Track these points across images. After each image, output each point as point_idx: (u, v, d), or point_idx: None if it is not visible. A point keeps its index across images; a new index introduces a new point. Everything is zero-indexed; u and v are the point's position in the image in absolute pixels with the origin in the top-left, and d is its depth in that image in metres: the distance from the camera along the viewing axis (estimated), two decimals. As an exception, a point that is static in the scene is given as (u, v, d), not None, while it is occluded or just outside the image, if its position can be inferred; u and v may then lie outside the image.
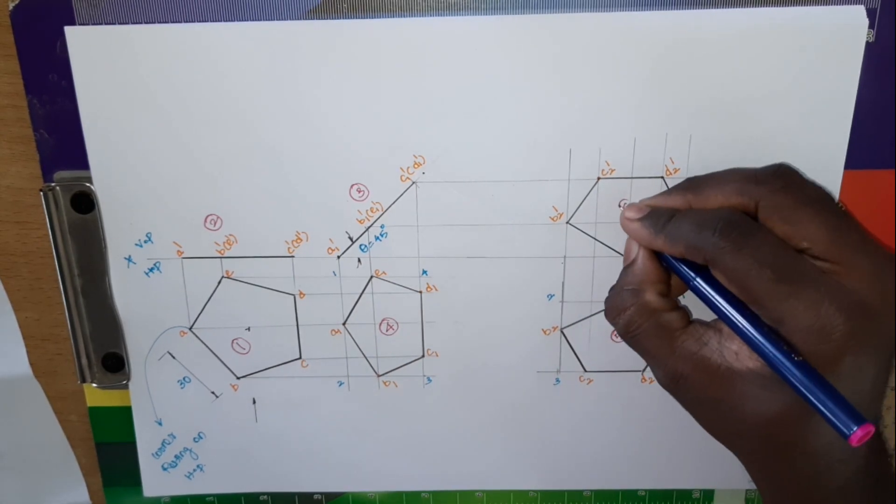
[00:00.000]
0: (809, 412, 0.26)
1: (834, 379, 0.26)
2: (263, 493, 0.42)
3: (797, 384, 0.26)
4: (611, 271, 0.36)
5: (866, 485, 0.28)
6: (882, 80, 0.32)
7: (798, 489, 0.29)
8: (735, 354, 0.28)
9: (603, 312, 0.32)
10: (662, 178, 0.34)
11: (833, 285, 0.26)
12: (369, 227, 0.36)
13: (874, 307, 0.26)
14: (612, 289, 0.31)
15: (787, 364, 0.26)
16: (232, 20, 0.32)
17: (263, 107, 0.33)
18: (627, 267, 0.31)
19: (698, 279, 0.29)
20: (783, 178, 0.28)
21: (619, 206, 0.35)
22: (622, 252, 0.36)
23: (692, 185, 0.30)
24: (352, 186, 0.35)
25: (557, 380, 0.39)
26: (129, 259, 0.36)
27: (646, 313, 0.30)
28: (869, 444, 0.28)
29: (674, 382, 0.29)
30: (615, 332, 0.37)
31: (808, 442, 0.27)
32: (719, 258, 0.27)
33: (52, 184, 0.35)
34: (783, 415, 0.27)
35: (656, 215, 0.30)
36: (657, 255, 0.30)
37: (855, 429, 0.24)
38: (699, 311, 0.31)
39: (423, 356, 0.38)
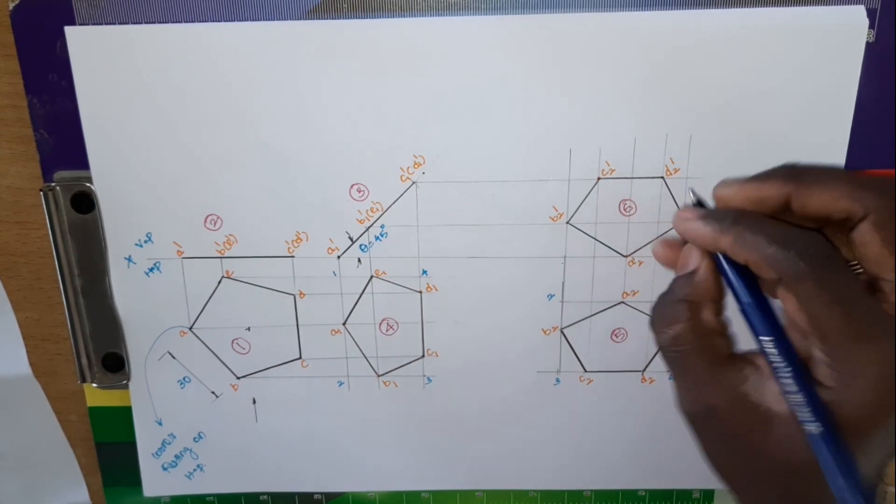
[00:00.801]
0: None
1: (866, 439, 0.24)
2: (263, 493, 0.42)
3: (820, 450, 0.24)
4: (611, 271, 0.36)
5: None
6: (882, 80, 0.32)
7: None
8: (776, 395, 0.26)
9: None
10: (662, 178, 0.34)
11: None
12: (369, 227, 0.36)
13: None
14: (664, 296, 0.28)
15: (815, 423, 0.24)
16: (232, 20, 0.32)
17: (263, 107, 0.33)
18: (686, 276, 0.28)
19: (751, 303, 0.26)
20: None
21: (619, 207, 0.34)
22: (622, 252, 0.36)
23: (794, 174, 0.27)
24: (352, 186, 0.35)
25: (557, 380, 0.39)
26: (129, 259, 0.36)
27: (699, 332, 0.27)
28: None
29: (702, 412, 0.27)
30: (615, 332, 0.37)
31: (822, 499, 0.26)
32: (800, 284, 0.25)
33: (52, 184, 0.35)
34: (812, 464, 0.25)
35: (720, 214, 0.27)
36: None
37: None
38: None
39: (423, 356, 0.38)
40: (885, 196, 0.25)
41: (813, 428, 0.24)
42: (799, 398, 0.25)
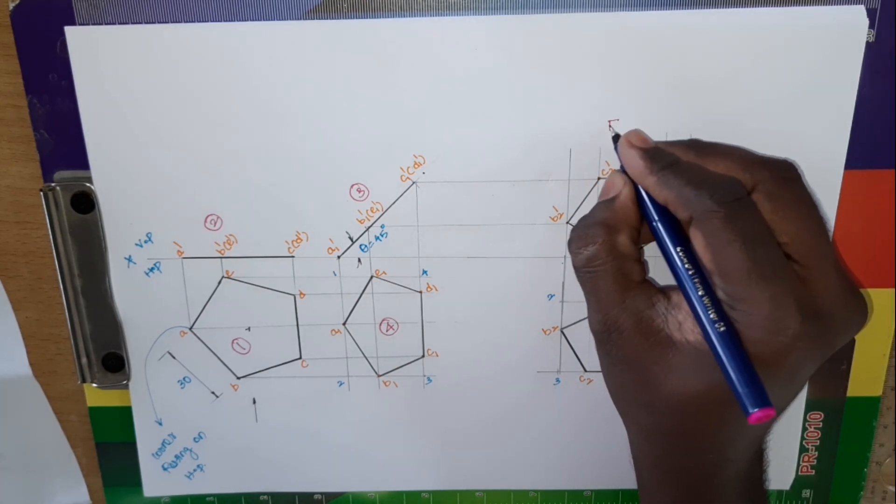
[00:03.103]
0: (727, 401, 0.26)
1: (771, 373, 0.26)
2: (263, 493, 0.42)
3: (719, 349, 0.26)
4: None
5: (741, 490, 0.30)
6: (882, 80, 0.32)
7: (684, 479, 0.29)
8: (679, 324, 0.28)
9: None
10: (662, 178, 0.34)
11: (799, 286, 0.26)
12: (369, 227, 0.36)
13: (827, 321, 0.26)
14: (584, 219, 0.31)
15: (716, 329, 0.26)
16: (232, 20, 0.32)
17: (264, 107, 0.33)
18: (607, 201, 0.30)
19: (660, 223, 0.28)
20: (789, 172, 0.28)
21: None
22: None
23: (696, 146, 0.29)
24: (352, 186, 0.35)
25: (557, 380, 0.39)
26: (129, 259, 0.36)
27: (612, 253, 0.29)
28: (753, 456, 0.30)
29: (608, 333, 0.29)
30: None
31: (713, 431, 0.28)
32: (707, 221, 0.26)
33: (52, 184, 0.35)
34: (703, 395, 0.27)
35: (659, 154, 0.29)
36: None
37: (755, 410, 0.25)
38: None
39: (423, 356, 0.38)
40: (774, 170, 0.28)
41: (719, 327, 0.26)
42: (706, 300, 0.26)
